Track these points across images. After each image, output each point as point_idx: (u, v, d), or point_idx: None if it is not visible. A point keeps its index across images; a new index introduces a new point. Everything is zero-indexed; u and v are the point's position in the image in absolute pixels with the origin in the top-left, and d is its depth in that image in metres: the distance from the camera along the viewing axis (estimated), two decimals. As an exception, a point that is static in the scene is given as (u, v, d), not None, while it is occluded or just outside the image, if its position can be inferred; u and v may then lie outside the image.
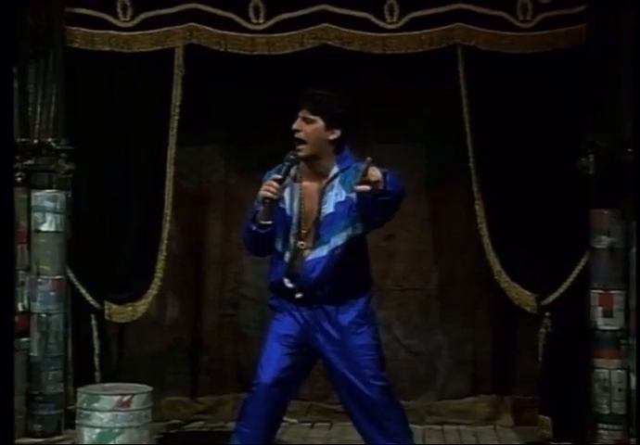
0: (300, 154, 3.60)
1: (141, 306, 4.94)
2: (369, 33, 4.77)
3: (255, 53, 4.83)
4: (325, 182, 3.65)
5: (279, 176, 3.54)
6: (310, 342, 3.66)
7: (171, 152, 4.88)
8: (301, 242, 3.63)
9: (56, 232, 4.81)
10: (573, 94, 4.68)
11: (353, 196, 3.54)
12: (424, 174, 5.32)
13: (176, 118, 4.85)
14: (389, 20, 4.76)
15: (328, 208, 3.62)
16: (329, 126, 3.59)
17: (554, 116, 4.70)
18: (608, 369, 4.56)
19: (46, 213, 4.78)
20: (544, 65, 4.71)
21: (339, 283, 3.62)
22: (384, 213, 3.51)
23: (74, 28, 4.87)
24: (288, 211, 3.65)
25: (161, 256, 4.90)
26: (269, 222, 3.58)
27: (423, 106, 5.24)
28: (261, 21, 4.80)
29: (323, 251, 3.60)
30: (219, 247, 5.45)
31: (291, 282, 3.63)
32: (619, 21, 4.59)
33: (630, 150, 4.53)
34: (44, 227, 4.79)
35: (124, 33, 4.87)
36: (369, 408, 3.63)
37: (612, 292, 4.58)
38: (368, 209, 3.48)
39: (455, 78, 4.75)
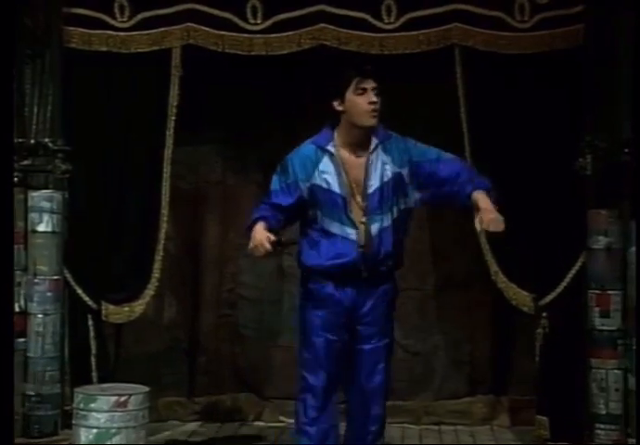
0: (375, 121, 3.75)
1: (138, 306, 4.93)
2: (367, 34, 4.77)
3: (252, 53, 4.82)
4: (367, 152, 3.77)
5: (273, 239, 3.60)
6: (350, 323, 3.77)
7: (168, 152, 4.87)
8: (364, 218, 3.73)
9: (52, 232, 4.80)
10: (571, 94, 4.69)
11: (404, 171, 3.75)
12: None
13: (173, 118, 4.85)
14: (386, 21, 4.76)
15: (377, 179, 3.74)
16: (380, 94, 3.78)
17: (552, 116, 4.70)
18: (605, 369, 4.56)
19: (43, 213, 4.77)
20: (541, 65, 4.71)
21: (397, 255, 3.82)
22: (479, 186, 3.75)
23: (71, 28, 4.86)
24: (337, 189, 3.74)
25: (158, 256, 4.89)
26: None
27: (420, 106, 5.24)
28: (258, 22, 4.80)
29: (386, 222, 3.74)
30: (216, 247, 5.45)
31: (361, 260, 3.72)
32: (617, 22, 4.59)
33: (627, 150, 4.53)
34: (41, 227, 4.78)
35: (121, 34, 4.86)
36: (374, 391, 3.77)
37: (609, 292, 4.58)
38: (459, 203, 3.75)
39: (453, 78, 4.75)
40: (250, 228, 3.69)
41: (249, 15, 4.80)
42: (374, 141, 3.80)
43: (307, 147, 3.83)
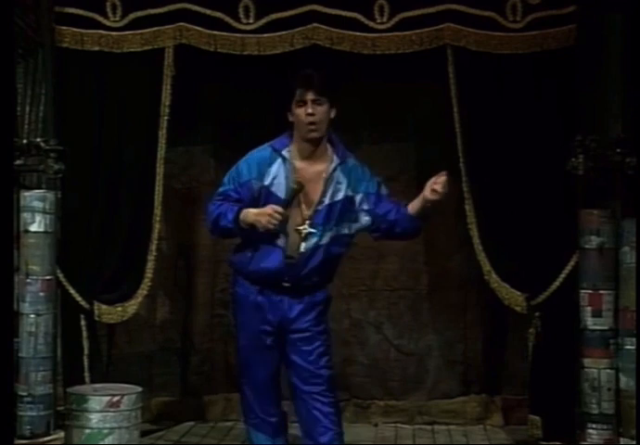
0: (315, 134, 3.70)
1: (131, 306, 4.92)
2: (359, 34, 4.76)
3: (245, 53, 4.81)
4: (326, 166, 3.74)
5: (282, 210, 3.59)
6: (279, 330, 3.76)
7: (160, 152, 4.87)
8: (304, 226, 3.68)
9: (45, 232, 4.79)
10: (563, 94, 4.69)
11: (357, 197, 3.74)
12: (414, 175, 5.32)
13: (166, 118, 4.84)
14: (378, 21, 4.76)
15: (328, 197, 3.72)
16: (330, 106, 3.73)
17: (544, 116, 4.70)
18: (597, 369, 4.56)
19: (35, 213, 4.76)
20: (533, 65, 4.71)
21: (324, 274, 3.77)
22: (408, 232, 3.81)
23: (63, 27, 4.85)
24: (280, 194, 3.69)
25: (151, 256, 4.88)
26: (249, 229, 3.66)
27: (413, 106, 5.25)
28: (251, 21, 4.80)
29: (324, 240, 3.71)
30: (209, 247, 5.44)
31: (284, 270, 3.71)
32: (608, 22, 4.59)
33: (619, 150, 4.54)
34: (34, 227, 4.77)
35: (114, 33, 4.85)
36: (322, 392, 3.74)
37: (601, 292, 4.58)
38: (402, 224, 3.74)
39: (446, 78, 4.75)
40: (234, 221, 3.64)
41: (241, 15, 4.80)
42: (335, 159, 3.77)
43: (264, 149, 3.83)
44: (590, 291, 4.59)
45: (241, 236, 3.78)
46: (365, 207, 3.79)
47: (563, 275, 4.70)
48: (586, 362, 4.59)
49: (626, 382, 4.52)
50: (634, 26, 4.48)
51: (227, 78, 5.18)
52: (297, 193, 3.66)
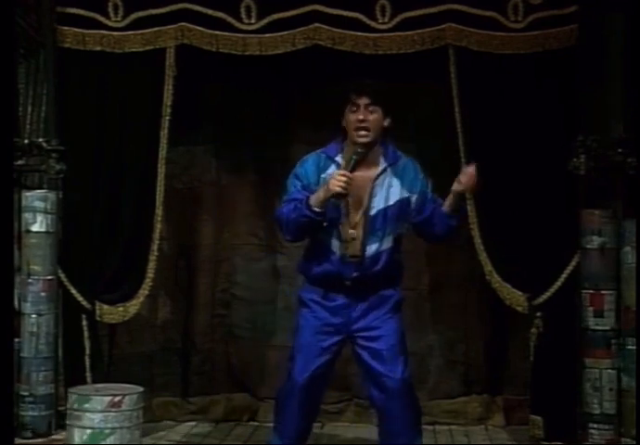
0: (365, 139, 3.75)
1: (132, 306, 4.92)
2: (361, 34, 4.76)
3: (247, 53, 4.81)
4: (375, 172, 3.80)
5: (347, 173, 3.63)
6: (346, 331, 3.78)
7: (162, 152, 4.87)
8: (352, 231, 3.73)
9: (46, 232, 4.79)
10: (564, 94, 4.69)
11: (413, 197, 3.82)
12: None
13: (167, 118, 4.84)
14: (380, 21, 4.76)
15: (382, 200, 3.78)
16: (385, 115, 3.80)
17: (545, 116, 4.70)
18: (598, 369, 4.57)
19: (37, 213, 4.77)
20: (535, 65, 4.71)
21: (391, 275, 3.83)
22: (452, 232, 3.84)
23: (65, 28, 4.86)
24: (334, 201, 3.73)
25: (153, 256, 4.88)
26: (324, 211, 3.67)
27: (415, 106, 5.25)
28: (252, 21, 4.80)
29: (387, 243, 3.78)
30: (210, 247, 5.44)
31: (346, 271, 3.75)
32: (610, 22, 4.60)
33: (621, 150, 4.54)
34: (35, 227, 4.78)
35: (115, 33, 4.85)
36: (391, 394, 3.75)
37: (603, 292, 4.59)
38: (448, 228, 3.80)
39: (447, 78, 4.75)
40: (307, 207, 3.64)
41: (243, 15, 4.80)
42: (382, 162, 3.83)
43: (317, 155, 3.87)
44: (591, 291, 4.60)
45: (317, 226, 3.73)
46: (414, 206, 3.86)
47: (564, 275, 4.70)
48: (588, 362, 4.60)
49: (628, 382, 4.52)
50: (635, 26, 4.49)
51: (229, 78, 5.18)
52: (357, 161, 3.68)
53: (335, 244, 3.77)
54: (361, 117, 3.73)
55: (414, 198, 3.84)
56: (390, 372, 3.75)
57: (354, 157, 3.69)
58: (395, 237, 3.83)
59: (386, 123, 3.83)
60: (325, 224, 3.70)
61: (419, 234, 3.96)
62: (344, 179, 3.59)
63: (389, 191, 3.79)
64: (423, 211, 3.85)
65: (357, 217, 3.77)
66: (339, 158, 3.82)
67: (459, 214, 3.87)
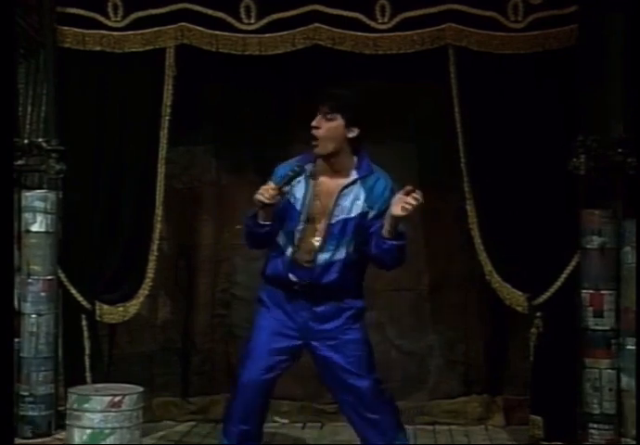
0: (316, 151, 3.65)
1: (132, 306, 4.92)
2: (360, 34, 4.76)
3: (246, 53, 4.81)
4: (345, 182, 3.70)
5: (276, 185, 3.57)
6: (303, 336, 3.71)
7: (162, 152, 4.87)
8: (317, 238, 3.67)
9: (46, 232, 4.80)
10: (564, 94, 4.69)
11: (371, 212, 3.66)
12: (415, 175, 5.32)
13: (167, 118, 4.84)
14: (380, 21, 4.76)
15: (345, 211, 3.67)
16: (349, 124, 3.64)
17: (545, 116, 4.70)
18: (598, 369, 4.57)
19: (37, 213, 4.77)
20: (535, 65, 4.71)
21: (346, 288, 3.72)
22: (395, 258, 3.64)
23: (65, 28, 4.86)
24: (297, 207, 3.69)
25: (153, 256, 4.88)
26: (267, 223, 3.63)
27: (414, 106, 5.25)
28: (252, 21, 4.80)
29: (340, 254, 3.67)
30: (210, 247, 5.45)
31: (296, 276, 3.68)
32: (610, 22, 4.60)
33: (621, 150, 4.54)
34: (35, 227, 4.78)
35: (115, 33, 4.85)
36: (360, 402, 3.68)
37: (603, 292, 4.59)
38: (384, 252, 3.58)
39: (447, 78, 4.75)
40: (251, 218, 3.63)
41: (242, 15, 4.80)
42: (354, 174, 3.70)
43: (289, 164, 3.76)
44: (591, 291, 4.60)
45: (265, 236, 3.69)
46: (368, 223, 3.68)
47: (564, 275, 4.70)
48: (588, 362, 4.60)
49: (627, 382, 4.52)
50: (635, 26, 4.49)
51: (229, 78, 5.18)
52: (293, 177, 3.63)
53: (288, 248, 3.68)
54: (313, 123, 3.63)
55: (371, 214, 3.67)
56: (358, 375, 3.67)
57: (290, 172, 3.61)
58: (351, 251, 3.67)
59: (351, 134, 3.64)
60: (265, 231, 3.62)
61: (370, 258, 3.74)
62: (271, 191, 3.52)
63: (353, 203, 3.66)
64: (369, 229, 3.67)
65: (322, 225, 3.67)
66: (308, 166, 3.70)
67: (397, 240, 3.57)
